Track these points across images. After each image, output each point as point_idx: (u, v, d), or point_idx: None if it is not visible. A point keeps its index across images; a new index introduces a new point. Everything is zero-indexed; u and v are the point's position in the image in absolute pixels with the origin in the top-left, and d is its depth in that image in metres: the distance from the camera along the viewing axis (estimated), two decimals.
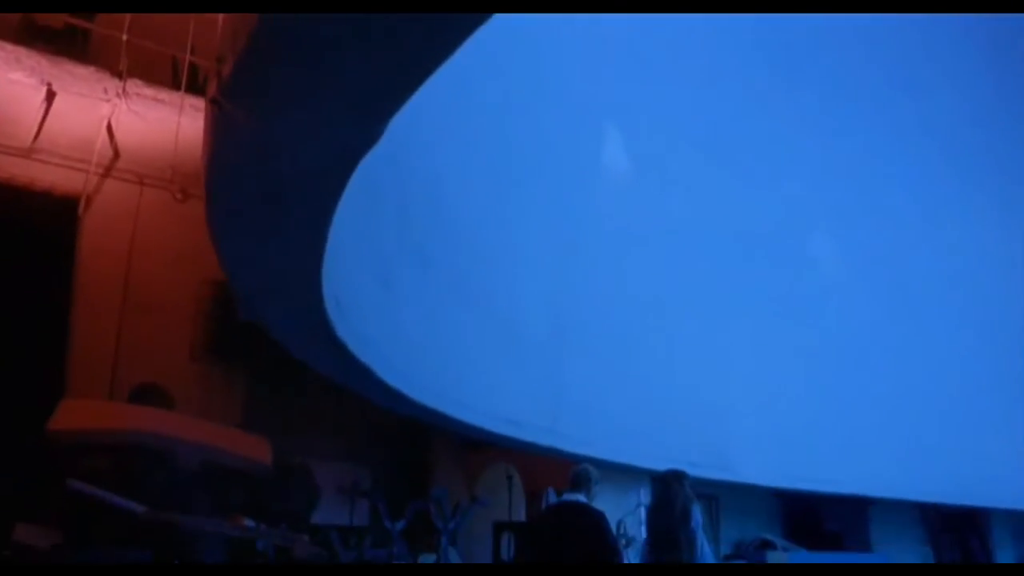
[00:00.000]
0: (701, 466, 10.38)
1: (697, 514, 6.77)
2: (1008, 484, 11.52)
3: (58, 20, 9.53)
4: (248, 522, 8.33)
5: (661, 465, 10.08)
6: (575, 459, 9.55)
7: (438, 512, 9.02)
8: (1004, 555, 12.94)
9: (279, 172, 4.73)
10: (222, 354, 9.33)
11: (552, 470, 9.90)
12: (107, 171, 9.30)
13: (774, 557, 11.15)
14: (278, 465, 8.84)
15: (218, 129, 4.69)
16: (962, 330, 11.98)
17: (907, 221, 11.96)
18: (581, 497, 5.89)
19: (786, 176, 10.67)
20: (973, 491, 11.63)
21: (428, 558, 8.98)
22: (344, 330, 6.56)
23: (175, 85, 9.56)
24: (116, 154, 9.35)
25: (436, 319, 8.02)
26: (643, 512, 10.29)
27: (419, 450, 10.48)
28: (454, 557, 9.21)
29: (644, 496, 10.45)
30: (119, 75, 9.38)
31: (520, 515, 10.09)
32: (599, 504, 5.97)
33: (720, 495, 11.45)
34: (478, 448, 10.23)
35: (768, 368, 10.42)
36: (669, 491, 6.89)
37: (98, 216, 9.17)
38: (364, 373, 7.07)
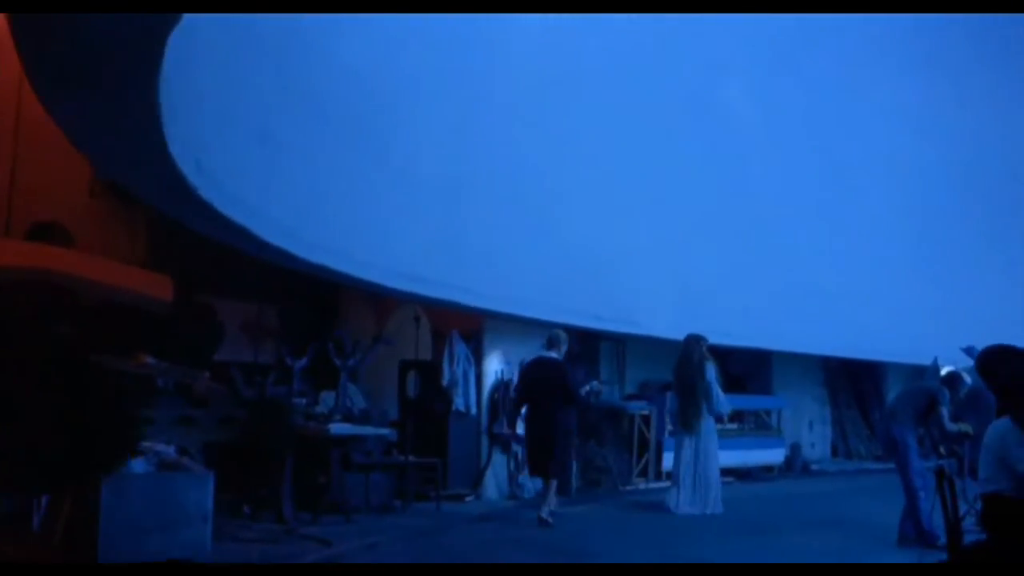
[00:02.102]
0: (606, 320, 10.72)
1: (711, 369, 9.03)
2: (899, 339, 12.01)
3: None
4: (149, 359, 8.66)
5: (566, 319, 10.49)
6: (477, 312, 9.84)
7: (337, 350, 9.36)
8: None
9: (86, 43, 4.52)
10: (122, 191, 9.21)
11: (459, 314, 10.19)
12: None
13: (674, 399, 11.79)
14: (180, 303, 9.05)
15: None
16: (865, 195, 12.03)
17: (823, 78, 11.65)
18: (553, 354, 8.34)
19: (702, 28, 10.21)
20: (868, 346, 12.16)
21: (329, 395, 9.41)
22: (210, 192, 6.50)
23: None
24: None
25: (324, 172, 7.91)
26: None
27: (328, 291, 10.67)
28: (354, 392, 9.65)
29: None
30: None
31: (427, 355, 10.47)
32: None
33: (627, 341, 11.90)
34: None
35: (672, 224, 10.51)
36: (689, 350, 9.09)
37: None
38: (241, 233, 7.09)
